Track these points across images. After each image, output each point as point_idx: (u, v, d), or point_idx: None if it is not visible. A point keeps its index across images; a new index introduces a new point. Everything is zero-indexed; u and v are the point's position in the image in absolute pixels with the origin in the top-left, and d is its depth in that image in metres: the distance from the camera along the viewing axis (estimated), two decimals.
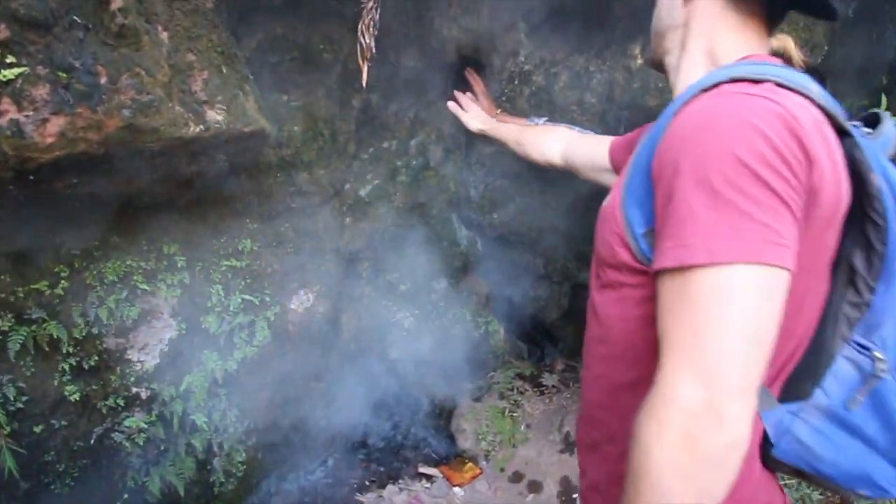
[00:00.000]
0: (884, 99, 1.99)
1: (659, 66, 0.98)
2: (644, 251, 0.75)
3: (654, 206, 0.71)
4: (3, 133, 1.10)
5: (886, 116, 0.88)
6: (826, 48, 1.94)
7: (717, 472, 0.62)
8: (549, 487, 2.39)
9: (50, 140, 1.13)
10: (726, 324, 0.61)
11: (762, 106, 0.65)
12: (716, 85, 0.71)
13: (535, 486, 2.42)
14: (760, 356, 0.63)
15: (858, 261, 0.73)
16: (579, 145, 1.45)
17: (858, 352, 0.73)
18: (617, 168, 1.26)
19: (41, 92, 1.11)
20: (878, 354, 0.72)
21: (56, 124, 1.13)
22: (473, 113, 1.84)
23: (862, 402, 0.73)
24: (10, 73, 1.09)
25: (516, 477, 2.47)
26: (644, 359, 0.75)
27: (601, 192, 1.04)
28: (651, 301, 0.71)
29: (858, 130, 0.77)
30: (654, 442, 0.64)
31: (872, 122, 0.88)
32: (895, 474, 0.76)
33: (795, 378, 0.77)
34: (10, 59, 1.10)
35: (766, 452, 0.79)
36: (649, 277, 0.73)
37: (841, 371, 0.73)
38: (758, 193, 0.62)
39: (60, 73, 1.12)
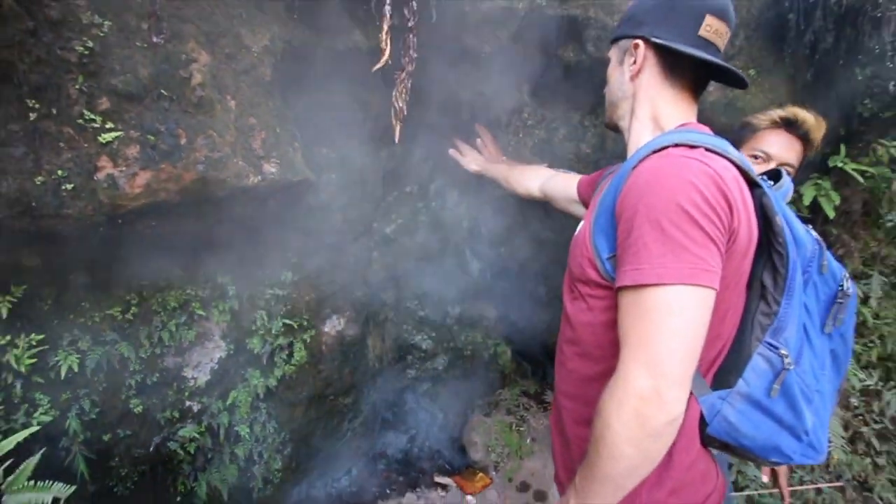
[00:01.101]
0: (842, 147, 2.08)
1: (614, 128, 1.12)
2: (608, 271, 0.89)
3: (617, 237, 0.86)
4: (100, 185, 1.22)
5: (784, 173, 1.08)
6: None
7: (658, 442, 0.78)
8: (554, 497, 2.39)
9: (137, 190, 1.25)
10: (669, 329, 0.76)
11: (697, 167, 0.81)
12: (663, 148, 0.86)
13: (540, 496, 2.43)
14: (693, 353, 0.78)
15: (768, 281, 0.88)
16: (555, 182, 1.61)
17: (769, 350, 0.86)
18: (583, 200, 1.41)
19: (132, 151, 1.23)
20: (783, 352, 0.86)
21: (143, 177, 1.24)
22: (470, 157, 2.00)
23: (779, 390, 0.85)
24: (108, 137, 1.22)
25: (523, 487, 2.48)
26: (607, 355, 0.88)
27: None
28: (613, 310, 0.86)
29: (766, 183, 0.93)
30: (614, 417, 0.78)
31: (775, 176, 1.07)
32: (798, 446, 0.88)
33: (723, 371, 0.91)
34: (108, 125, 1.23)
35: (703, 431, 0.90)
36: (612, 292, 0.87)
37: (757, 365, 0.87)
38: (693, 233, 0.77)
39: (149, 136, 1.24)
